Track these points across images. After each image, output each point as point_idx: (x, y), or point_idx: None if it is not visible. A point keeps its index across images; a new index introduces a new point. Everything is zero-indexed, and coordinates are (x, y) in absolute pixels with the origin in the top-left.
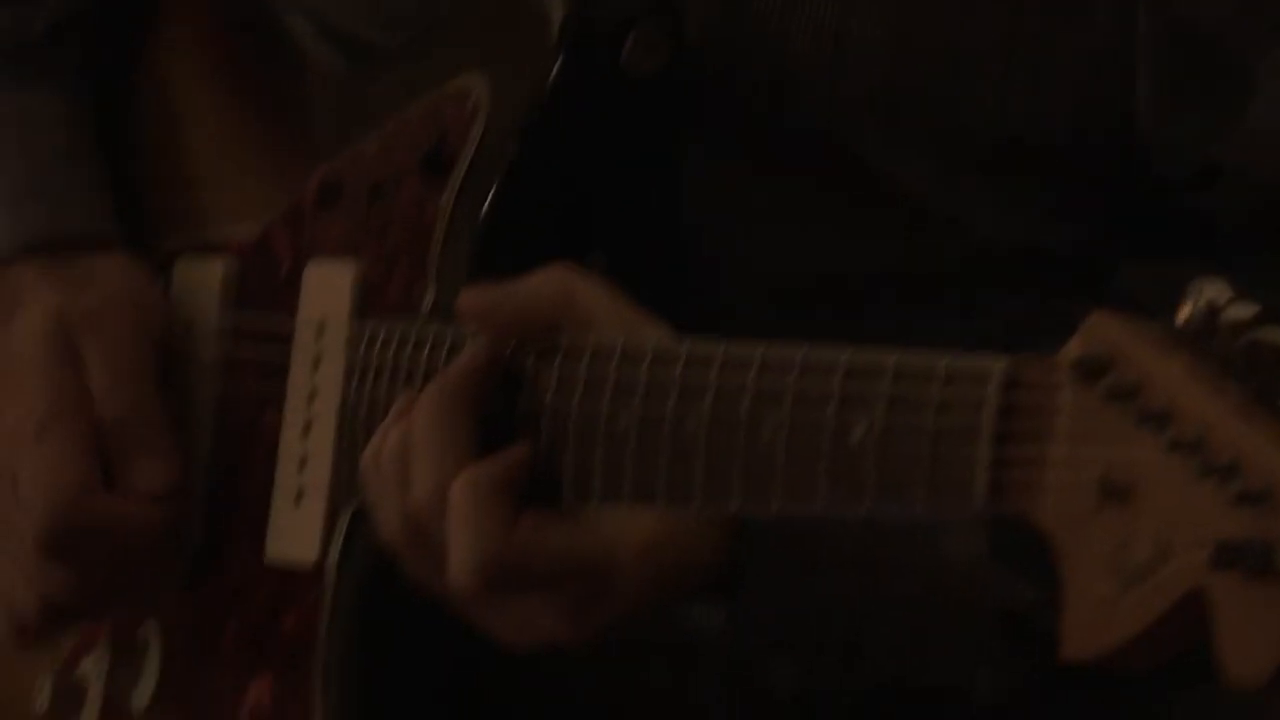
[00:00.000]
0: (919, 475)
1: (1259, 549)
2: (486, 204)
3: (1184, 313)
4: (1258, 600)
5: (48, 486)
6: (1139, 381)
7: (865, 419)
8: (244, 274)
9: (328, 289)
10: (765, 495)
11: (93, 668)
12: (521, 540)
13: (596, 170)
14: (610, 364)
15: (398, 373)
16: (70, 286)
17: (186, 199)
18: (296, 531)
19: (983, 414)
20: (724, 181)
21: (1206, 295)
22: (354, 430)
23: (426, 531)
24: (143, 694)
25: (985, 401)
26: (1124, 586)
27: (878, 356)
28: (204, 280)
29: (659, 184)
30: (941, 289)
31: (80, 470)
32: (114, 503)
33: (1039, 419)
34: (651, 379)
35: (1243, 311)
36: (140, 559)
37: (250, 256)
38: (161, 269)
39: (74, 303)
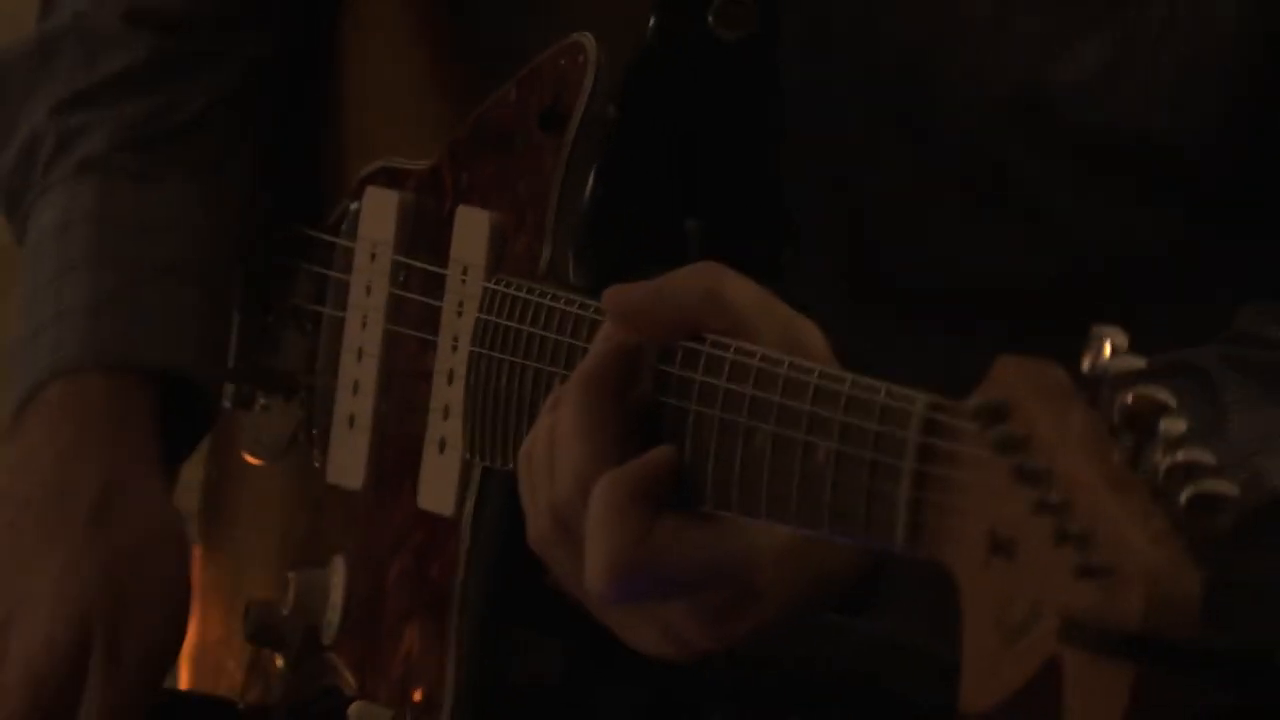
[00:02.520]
0: (860, 506)
1: (1095, 626)
2: (594, 166)
3: (1086, 362)
4: (1097, 678)
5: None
6: (1028, 435)
7: (825, 443)
8: (418, 208)
9: (472, 235)
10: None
11: (289, 602)
12: (657, 543)
13: (693, 136)
14: (749, 378)
15: (508, 336)
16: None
17: (379, 129)
18: (439, 480)
19: (905, 454)
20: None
21: (1107, 342)
22: (476, 387)
23: (570, 528)
24: (329, 629)
25: (907, 442)
26: (1006, 643)
27: (836, 382)
28: (384, 211)
29: (754, 152)
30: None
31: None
32: None
33: (947, 465)
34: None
35: (1129, 364)
36: None
37: (424, 191)
38: (354, 195)
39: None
